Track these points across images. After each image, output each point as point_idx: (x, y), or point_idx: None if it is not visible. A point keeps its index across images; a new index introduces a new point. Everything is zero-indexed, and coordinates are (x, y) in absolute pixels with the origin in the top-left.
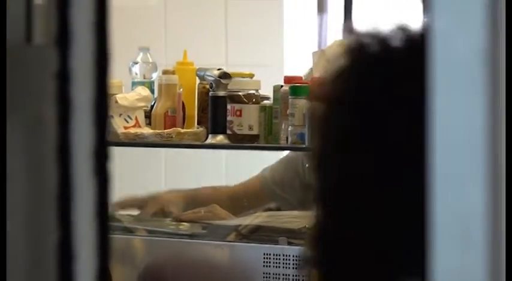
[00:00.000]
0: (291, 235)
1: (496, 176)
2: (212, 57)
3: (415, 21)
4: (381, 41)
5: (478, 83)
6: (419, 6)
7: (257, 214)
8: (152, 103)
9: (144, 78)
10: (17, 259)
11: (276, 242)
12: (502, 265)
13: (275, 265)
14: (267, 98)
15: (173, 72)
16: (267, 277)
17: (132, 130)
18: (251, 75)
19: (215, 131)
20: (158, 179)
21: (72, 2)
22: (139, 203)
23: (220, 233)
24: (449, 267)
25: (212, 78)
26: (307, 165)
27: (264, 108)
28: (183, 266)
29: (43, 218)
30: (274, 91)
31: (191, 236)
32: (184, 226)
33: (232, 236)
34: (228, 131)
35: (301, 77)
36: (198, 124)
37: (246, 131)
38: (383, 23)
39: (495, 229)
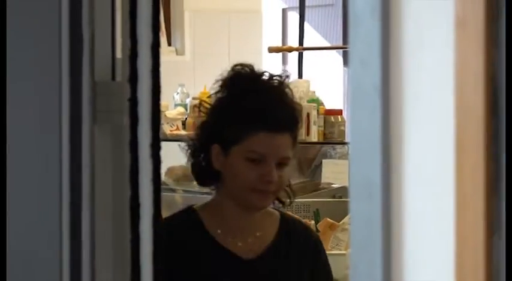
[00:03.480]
0: None
1: (387, 158)
2: None
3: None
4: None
5: (376, 105)
6: (340, 58)
7: None
8: (186, 116)
9: (181, 102)
10: (108, 208)
11: None
12: (394, 213)
13: None
14: None
15: (198, 98)
16: None
17: (174, 132)
18: None
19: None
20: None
21: (138, 56)
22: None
23: None
24: (361, 213)
25: None
26: None
27: None
28: None
29: (122, 183)
30: None
31: (209, 193)
32: (205, 187)
33: None
34: None
35: None
36: None
37: None
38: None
39: (387, 190)
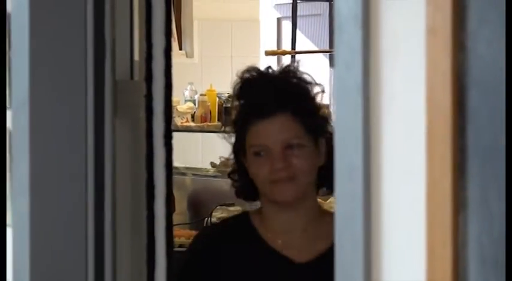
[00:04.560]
0: None
1: (367, 146)
2: (224, 87)
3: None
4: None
5: (358, 101)
6: (327, 61)
7: None
8: (194, 110)
9: (190, 98)
10: (127, 189)
11: None
12: (373, 193)
13: None
14: None
15: (205, 95)
16: None
17: (185, 124)
18: None
19: (226, 125)
20: (197, 148)
21: (153, 59)
22: None
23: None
24: (345, 193)
25: (224, 98)
26: None
27: None
28: (210, 191)
29: (139, 168)
30: None
31: (214, 176)
32: (210, 171)
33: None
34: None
35: None
36: (217, 120)
37: None
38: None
39: (367, 174)
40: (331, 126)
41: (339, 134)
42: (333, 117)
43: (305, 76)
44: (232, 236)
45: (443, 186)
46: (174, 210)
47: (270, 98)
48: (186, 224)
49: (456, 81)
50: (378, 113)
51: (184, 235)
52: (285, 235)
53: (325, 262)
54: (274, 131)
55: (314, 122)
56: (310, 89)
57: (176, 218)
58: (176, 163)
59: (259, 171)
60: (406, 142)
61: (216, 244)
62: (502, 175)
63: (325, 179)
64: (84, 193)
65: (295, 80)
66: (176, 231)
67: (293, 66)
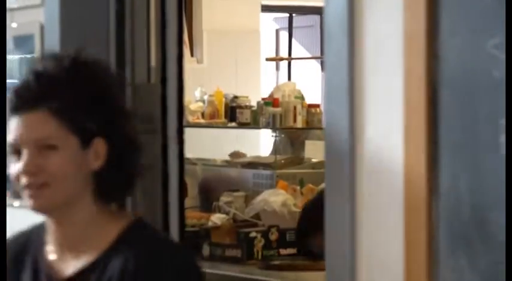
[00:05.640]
0: (264, 167)
1: (352, 139)
2: (230, 89)
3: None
4: None
5: (344, 100)
6: (319, 66)
7: (249, 156)
8: (204, 109)
9: (200, 98)
10: (145, 177)
11: (257, 169)
12: (357, 180)
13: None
14: (253, 106)
15: (213, 95)
16: (254, 184)
17: (195, 120)
18: (246, 97)
19: (232, 121)
20: (206, 141)
21: (167, 64)
22: None
23: (236, 164)
24: (334, 181)
25: (230, 98)
26: None
27: (252, 111)
28: (218, 178)
29: (155, 159)
30: (257, 103)
31: (221, 166)
32: (218, 161)
33: (239, 165)
34: (237, 121)
35: (266, 98)
36: (224, 118)
37: (244, 121)
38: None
39: (353, 163)
40: (124, 126)
41: (329, 129)
42: (324, 112)
43: (100, 69)
44: (27, 245)
45: (419, 174)
46: (186, 195)
47: (32, 90)
48: (197, 207)
49: (430, 84)
50: (361, 111)
51: (195, 217)
52: (55, 246)
53: (86, 276)
54: (26, 127)
55: (81, 120)
56: (97, 82)
57: (189, 201)
58: (188, 154)
59: (13, 173)
60: (386, 135)
61: (14, 253)
62: (469, 164)
63: (101, 186)
64: None
65: (73, 72)
66: (188, 213)
67: (87, 58)
